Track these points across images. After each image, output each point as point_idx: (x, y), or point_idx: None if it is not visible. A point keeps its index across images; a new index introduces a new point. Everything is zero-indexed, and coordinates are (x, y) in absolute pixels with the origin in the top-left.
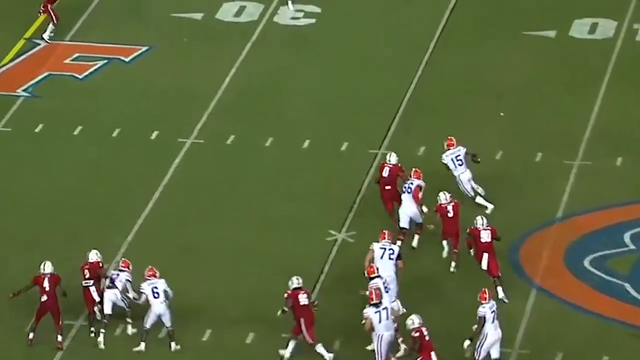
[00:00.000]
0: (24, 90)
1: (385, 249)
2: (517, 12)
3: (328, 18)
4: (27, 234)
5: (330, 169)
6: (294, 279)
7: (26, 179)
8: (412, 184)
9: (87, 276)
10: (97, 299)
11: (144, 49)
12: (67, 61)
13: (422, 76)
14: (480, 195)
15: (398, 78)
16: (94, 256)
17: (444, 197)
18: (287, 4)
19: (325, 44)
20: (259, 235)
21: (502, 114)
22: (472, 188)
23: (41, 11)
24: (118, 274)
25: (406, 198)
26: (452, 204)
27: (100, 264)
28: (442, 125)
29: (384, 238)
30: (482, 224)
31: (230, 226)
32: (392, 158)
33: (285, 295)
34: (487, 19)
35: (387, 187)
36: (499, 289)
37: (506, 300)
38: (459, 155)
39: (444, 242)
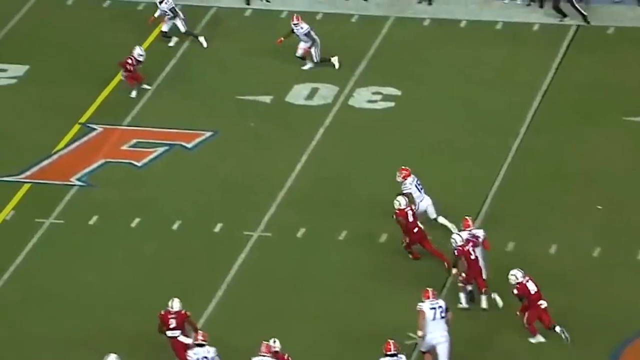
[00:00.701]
0: (78, 179)
1: (435, 308)
2: (616, 96)
3: (408, 101)
4: (78, 333)
5: (409, 264)
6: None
7: (78, 275)
8: (478, 237)
9: (172, 326)
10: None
11: (208, 134)
12: (124, 147)
13: (512, 163)
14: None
15: (484, 165)
16: (177, 305)
17: (459, 239)
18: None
19: (404, 129)
20: (329, 338)
21: (599, 207)
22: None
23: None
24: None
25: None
26: (471, 243)
27: (187, 314)
28: (531, 216)
29: (429, 297)
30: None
31: (297, 328)
32: (402, 201)
33: None
34: (583, 103)
35: (416, 230)
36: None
37: None
38: (419, 182)
39: (468, 288)
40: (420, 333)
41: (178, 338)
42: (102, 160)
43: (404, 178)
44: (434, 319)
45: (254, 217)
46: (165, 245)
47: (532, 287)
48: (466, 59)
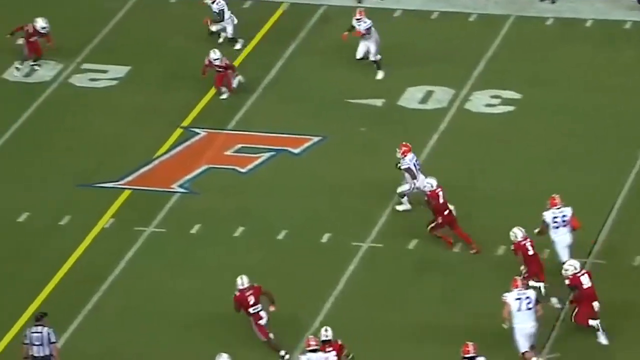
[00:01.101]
0: (180, 186)
1: (520, 298)
2: None
3: (529, 105)
4: (179, 344)
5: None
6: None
7: (179, 286)
8: (564, 215)
9: (252, 302)
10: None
11: (316, 139)
12: (228, 153)
13: None
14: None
15: (609, 174)
16: (246, 279)
17: (520, 234)
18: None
19: (524, 135)
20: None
21: None
22: None
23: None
24: None
25: (563, 231)
26: (530, 240)
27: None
28: None
29: (517, 286)
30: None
31: (405, 346)
32: (433, 182)
33: None
34: None
35: (447, 212)
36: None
37: None
38: (417, 161)
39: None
40: (506, 325)
41: (260, 313)
42: (205, 166)
43: (404, 154)
44: (519, 309)
45: (363, 227)
46: (270, 255)
47: (585, 281)
48: (592, 61)
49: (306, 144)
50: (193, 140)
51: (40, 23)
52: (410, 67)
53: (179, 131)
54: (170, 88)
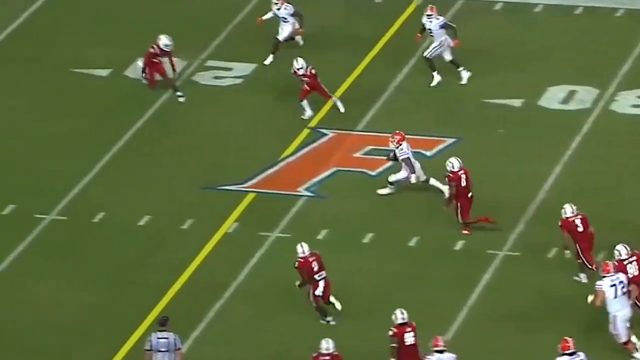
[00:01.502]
0: (307, 189)
1: (615, 284)
2: None
3: None
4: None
5: None
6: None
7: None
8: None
9: (316, 268)
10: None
11: (450, 141)
12: (357, 155)
13: None
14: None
15: None
16: (306, 247)
17: (570, 210)
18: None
19: None
20: None
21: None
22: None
23: None
24: None
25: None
26: (580, 217)
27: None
28: None
29: (608, 271)
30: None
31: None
32: (456, 163)
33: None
34: None
35: (470, 195)
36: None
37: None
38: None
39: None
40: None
41: (327, 279)
42: (333, 169)
43: (399, 143)
44: (615, 296)
45: (499, 234)
46: (402, 263)
47: (632, 271)
48: None
49: (440, 146)
50: (321, 141)
51: (164, 40)
52: (551, 66)
53: (306, 132)
54: (297, 87)
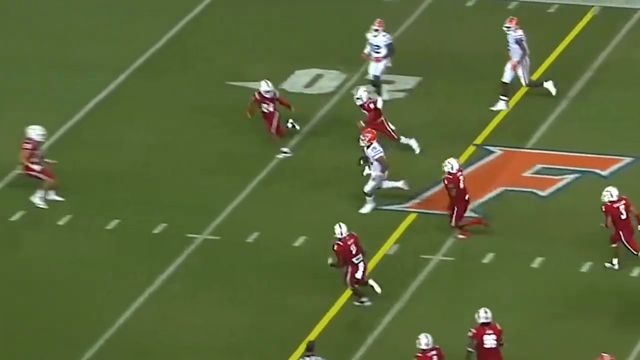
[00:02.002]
0: (472, 210)
1: None
2: None
3: None
4: None
5: None
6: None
7: (461, 318)
8: None
9: (354, 251)
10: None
11: (627, 160)
12: (526, 174)
13: None
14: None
15: None
16: (344, 227)
17: (615, 193)
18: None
19: None
20: None
21: None
22: None
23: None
24: None
25: None
26: (623, 202)
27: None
28: None
29: None
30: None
31: None
32: (454, 164)
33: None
34: None
35: (467, 197)
36: None
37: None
38: None
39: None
40: None
41: (360, 265)
42: (501, 189)
43: (370, 141)
44: None
45: None
46: (569, 289)
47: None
48: None
49: (616, 165)
50: (487, 159)
51: (264, 86)
52: None
53: (471, 149)
54: (463, 100)
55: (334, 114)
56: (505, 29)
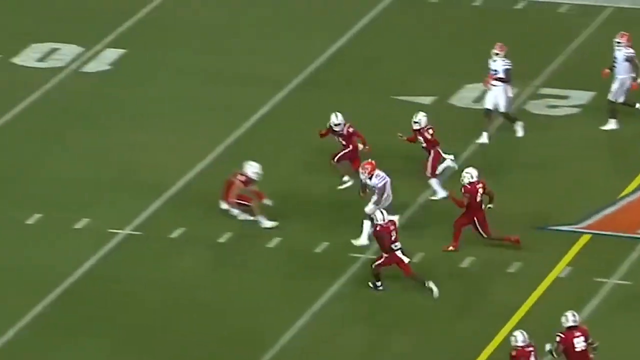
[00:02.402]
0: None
1: None
2: None
3: None
4: None
5: None
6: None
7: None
8: None
9: (393, 237)
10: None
11: None
12: None
13: None
14: None
15: None
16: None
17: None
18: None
19: None
20: None
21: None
22: None
23: None
24: None
25: None
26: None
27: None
28: None
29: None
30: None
31: None
32: (474, 173)
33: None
34: None
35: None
36: None
37: None
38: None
39: None
40: None
41: (397, 253)
42: None
43: (370, 173)
44: None
45: None
46: None
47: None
48: None
49: None
50: None
51: (333, 119)
52: None
53: None
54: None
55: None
56: (615, 44)
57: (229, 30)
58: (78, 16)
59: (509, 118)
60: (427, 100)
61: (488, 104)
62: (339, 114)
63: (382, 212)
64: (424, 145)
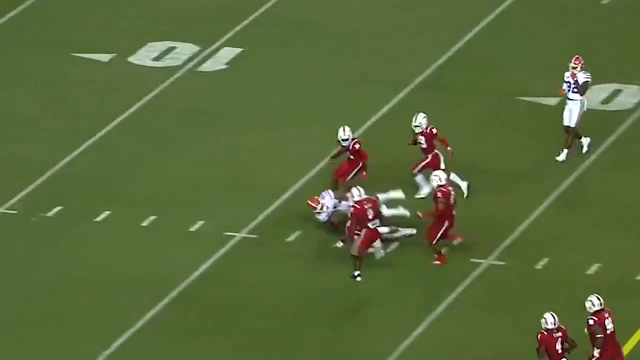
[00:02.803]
0: None
1: None
2: None
3: None
4: None
5: None
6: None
7: None
8: None
9: (371, 216)
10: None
11: None
12: None
13: None
14: None
15: None
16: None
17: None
18: None
19: None
20: None
21: None
22: None
23: None
24: None
25: None
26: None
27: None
28: None
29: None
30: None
31: None
32: (442, 176)
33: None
34: None
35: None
36: None
37: None
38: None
39: None
40: None
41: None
42: None
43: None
44: None
45: None
46: None
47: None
48: None
49: None
50: None
51: (340, 134)
52: None
53: None
54: None
55: (631, 132)
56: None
57: (345, 30)
58: (195, 15)
59: (576, 134)
60: (552, 101)
61: (566, 120)
62: (346, 128)
63: (358, 189)
64: (424, 147)
